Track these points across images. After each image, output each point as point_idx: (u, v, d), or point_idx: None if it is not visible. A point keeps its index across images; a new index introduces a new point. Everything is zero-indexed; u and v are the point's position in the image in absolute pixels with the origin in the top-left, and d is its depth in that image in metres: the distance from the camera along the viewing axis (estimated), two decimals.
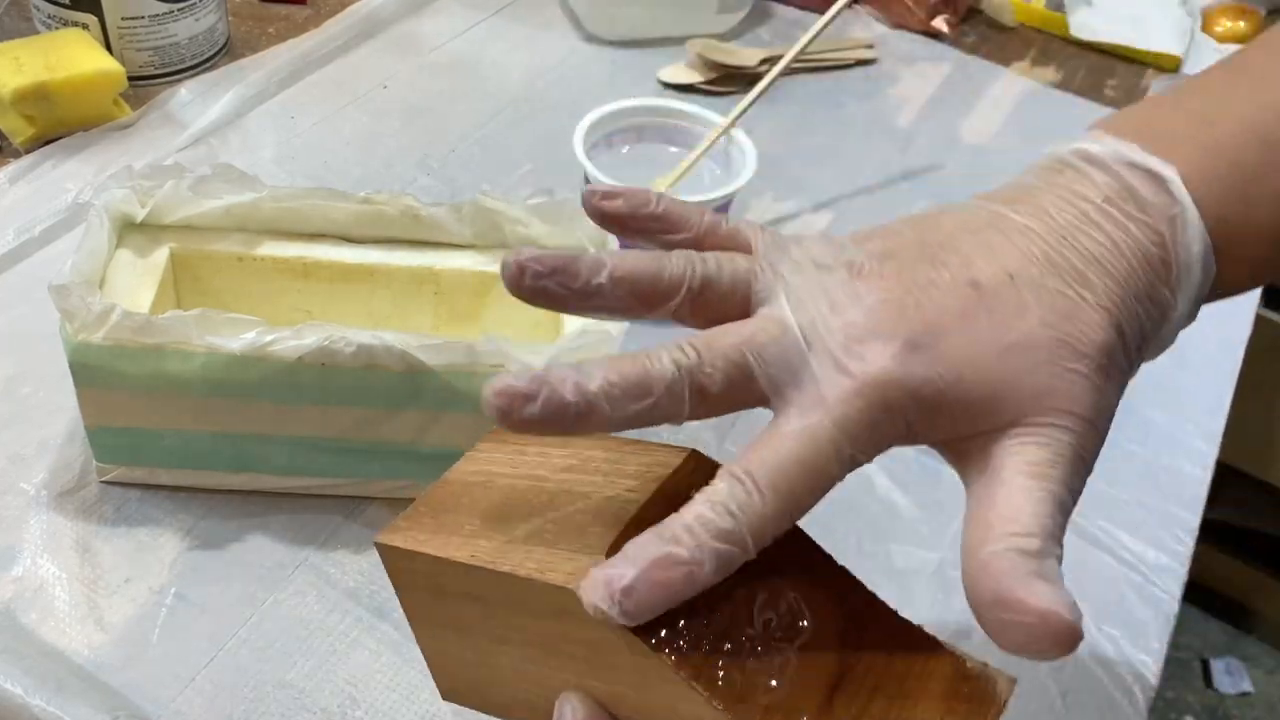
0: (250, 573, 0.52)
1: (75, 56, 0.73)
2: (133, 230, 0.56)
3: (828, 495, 0.32)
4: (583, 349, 0.51)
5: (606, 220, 0.36)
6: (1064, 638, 0.29)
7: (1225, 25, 1.07)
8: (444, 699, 0.39)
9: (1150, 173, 0.34)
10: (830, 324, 0.32)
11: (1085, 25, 1.04)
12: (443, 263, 0.58)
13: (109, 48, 0.78)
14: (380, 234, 0.58)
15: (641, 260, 0.34)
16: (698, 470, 0.33)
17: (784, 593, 0.32)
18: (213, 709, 0.47)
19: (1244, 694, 1.54)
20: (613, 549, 0.30)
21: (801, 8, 1.01)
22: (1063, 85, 0.98)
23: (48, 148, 0.73)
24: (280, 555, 0.53)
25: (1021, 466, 0.31)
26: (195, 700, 0.48)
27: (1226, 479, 0.75)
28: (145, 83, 0.80)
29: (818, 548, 0.34)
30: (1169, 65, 1.02)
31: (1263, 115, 0.35)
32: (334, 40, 0.87)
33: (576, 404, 0.31)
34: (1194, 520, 0.63)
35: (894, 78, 0.96)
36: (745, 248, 0.36)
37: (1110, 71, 1.02)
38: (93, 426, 0.52)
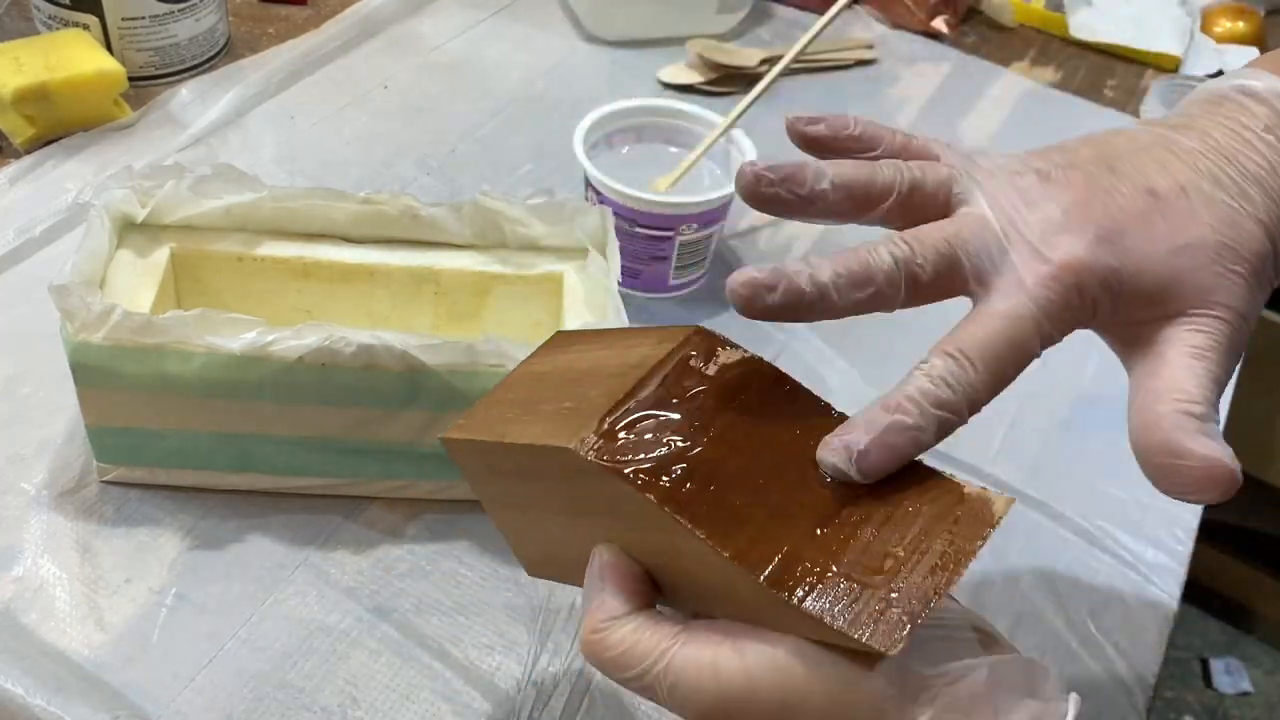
0: (250, 573, 0.52)
1: (76, 57, 0.73)
2: (133, 230, 0.56)
3: None
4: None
5: (809, 144, 0.40)
6: (1225, 481, 0.34)
7: (1224, 25, 1.07)
8: (530, 575, 0.44)
9: None
10: (1027, 219, 0.36)
11: (1085, 25, 1.04)
12: (443, 263, 0.58)
13: (109, 48, 0.78)
14: (380, 234, 0.58)
15: (858, 168, 0.38)
16: (700, 341, 0.37)
17: (772, 439, 0.36)
18: (213, 709, 0.47)
19: (1243, 694, 1.54)
20: (608, 416, 0.35)
21: (801, 8, 1.01)
22: (1062, 85, 0.98)
23: (48, 148, 0.73)
24: (280, 555, 0.53)
25: (1185, 349, 0.36)
26: (195, 700, 0.48)
27: None
28: (145, 83, 0.80)
29: (810, 397, 0.38)
30: (1168, 65, 1.02)
31: None
32: (334, 40, 0.87)
33: (810, 292, 0.35)
34: (1193, 520, 0.63)
35: (894, 78, 0.96)
36: (934, 159, 0.40)
37: (1110, 71, 1.02)
38: (93, 426, 0.52)
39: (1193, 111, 0.40)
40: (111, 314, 0.48)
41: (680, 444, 0.35)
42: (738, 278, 0.35)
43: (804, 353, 0.68)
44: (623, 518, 0.35)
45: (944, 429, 0.35)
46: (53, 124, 0.73)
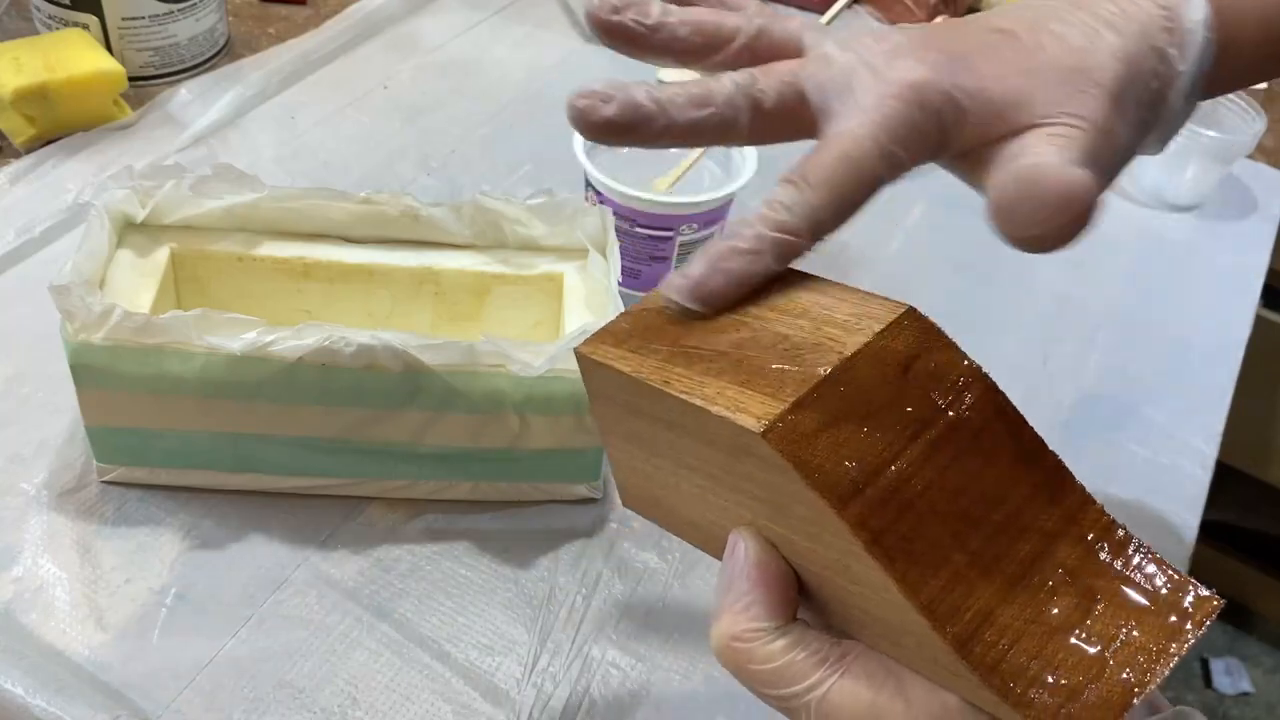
0: (250, 573, 0.52)
1: (75, 57, 0.73)
2: (133, 230, 0.56)
3: None
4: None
5: (627, 41, 0.39)
6: (1078, 204, 0.33)
7: None
8: (625, 505, 0.40)
9: None
10: (872, 50, 0.36)
11: None
12: (443, 263, 0.58)
13: (109, 48, 0.78)
14: (380, 234, 0.58)
15: (706, 11, 0.39)
16: (912, 328, 0.33)
17: (982, 471, 0.31)
18: (213, 709, 0.47)
19: (1243, 694, 1.54)
20: (803, 403, 0.30)
21: (801, 8, 1.01)
22: None
23: (48, 148, 0.73)
24: (280, 555, 0.53)
25: (1038, 140, 0.35)
26: (195, 700, 0.48)
27: (1226, 479, 0.75)
28: (145, 83, 0.80)
29: (1033, 434, 0.34)
30: None
31: None
32: (334, 40, 0.87)
33: (648, 106, 0.36)
34: (1194, 520, 0.63)
35: None
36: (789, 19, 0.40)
37: None
38: (93, 426, 0.52)
39: None
40: (111, 314, 0.48)
41: (882, 455, 0.30)
42: (577, 91, 0.36)
43: None
44: (787, 514, 0.31)
45: (783, 252, 0.35)
46: (53, 124, 0.73)
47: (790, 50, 0.38)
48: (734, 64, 0.38)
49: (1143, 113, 0.37)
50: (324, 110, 0.81)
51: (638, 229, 0.66)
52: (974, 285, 0.75)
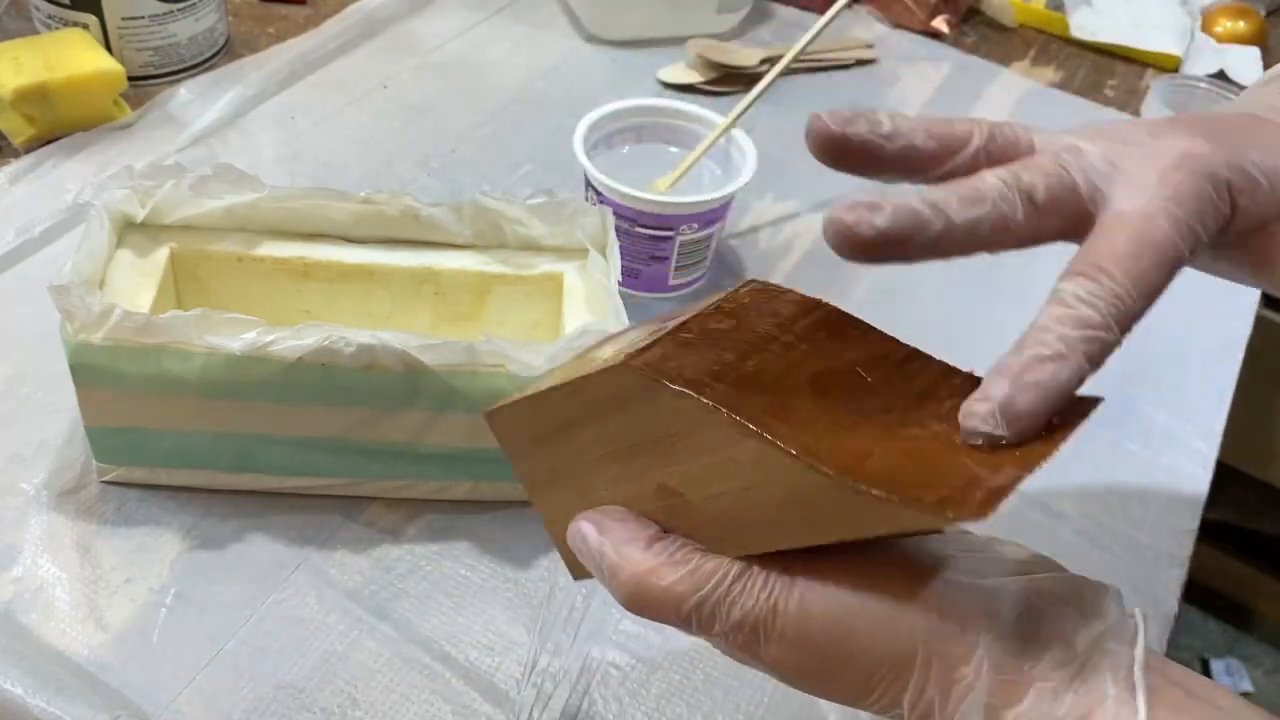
0: (250, 573, 0.52)
1: (75, 56, 0.73)
2: (133, 230, 0.56)
3: None
4: (583, 348, 0.51)
5: (850, 161, 0.36)
6: None
7: (1225, 26, 1.07)
8: (575, 579, 0.40)
9: None
10: (1128, 131, 0.34)
11: (1085, 25, 1.04)
12: (442, 263, 0.58)
13: (109, 48, 0.78)
14: (380, 234, 0.58)
15: (933, 117, 0.36)
16: (752, 290, 0.35)
17: (835, 361, 0.34)
18: (213, 709, 0.47)
19: (1244, 694, 1.54)
20: (658, 342, 0.33)
21: (801, 8, 1.01)
22: (1062, 85, 0.98)
23: (48, 148, 0.73)
24: (280, 555, 0.53)
25: None
26: (195, 700, 0.48)
27: (1226, 479, 0.75)
28: (145, 83, 0.80)
29: (883, 334, 0.35)
30: (1168, 65, 1.02)
31: None
32: (334, 40, 0.87)
33: (923, 211, 0.32)
34: (1194, 520, 0.63)
35: (894, 78, 0.96)
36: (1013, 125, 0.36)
37: (1110, 71, 1.02)
38: (92, 426, 0.52)
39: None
40: (111, 314, 0.48)
41: (736, 360, 0.32)
42: (839, 206, 0.32)
43: None
44: (673, 454, 0.33)
45: (1095, 353, 0.31)
46: (52, 124, 0.73)
47: (1023, 149, 0.36)
48: (970, 169, 0.35)
49: None
50: (324, 110, 0.81)
51: (638, 229, 0.66)
52: (974, 287, 0.75)
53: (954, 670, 0.30)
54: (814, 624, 0.31)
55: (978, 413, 0.30)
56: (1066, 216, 0.34)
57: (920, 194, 0.33)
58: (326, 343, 0.49)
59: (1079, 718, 0.29)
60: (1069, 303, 0.31)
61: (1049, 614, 0.30)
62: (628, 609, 0.34)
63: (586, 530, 0.35)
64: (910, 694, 0.31)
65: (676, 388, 0.31)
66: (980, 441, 0.31)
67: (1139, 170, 0.33)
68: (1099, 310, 0.31)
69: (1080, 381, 0.31)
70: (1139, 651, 0.30)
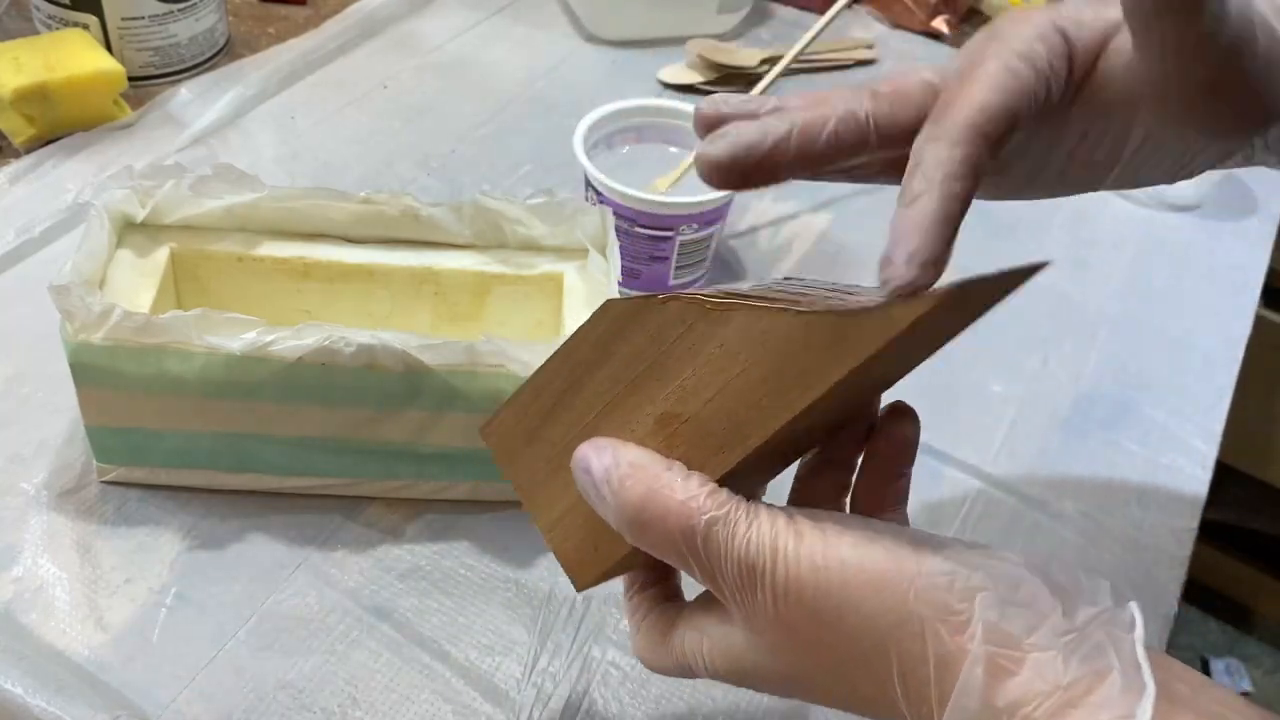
0: (250, 573, 0.52)
1: (75, 56, 0.73)
2: (133, 230, 0.56)
3: None
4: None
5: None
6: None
7: None
8: (579, 589, 0.39)
9: None
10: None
11: None
12: (443, 263, 0.58)
13: (109, 48, 0.78)
14: (380, 234, 0.58)
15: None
16: (678, 303, 0.36)
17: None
18: (213, 709, 0.47)
19: (1244, 693, 1.54)
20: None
21: (801, 8, 1.01)
22: None
23: (48, 148, 0.73)
24: (280, 555, 0.53)
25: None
26: (195, 700, 0.48)
27: (1226, 479, 0.75)
28: (145, 83, 0.80)
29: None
30: None
31: None
32: (334, 40, 0.87)
33: (768, 149, 0.35)
34: (1194, 520, 0.63)
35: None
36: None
37: None
38: (92, 426, 0.52)
39: None
40: (111, 314, 0.48)
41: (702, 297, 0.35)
42: (704, 153, 0.36)
43: None
44: (666, 372, 0.35)
45: (952, 185, 0.34)
46: (52, 124, 0.73)
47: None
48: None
49: None
50: (324, 110, 0.81)
51: (638, 229, 0.66)
52: None
53: (950, 639, 0.30)
54: (809, 576, 0.32)
55: (895, 261, 0.33)
56: (919, 105, 0.36)
57: (763, 128, 0.35)
58: (326, 343, 0.49)
59: (1083, 689, 0.29)
60: (915, 160, 0.34)
61: (1045, 591, 0.31)
62: (632, 526, 0.34)
63: (588, 453, 0.35)
64: (899, 665, 0.31)
65: (662, 296, 0.35)
66: (900, 294, 0.33)
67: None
68: (938, 157, 0.34)
69: (951, 208, 0.33)
70: (1139, 634, 0.30)
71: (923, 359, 0.38)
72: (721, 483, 0.34)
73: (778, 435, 0.34)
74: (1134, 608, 0.31)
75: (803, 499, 0.39)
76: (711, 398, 0.35)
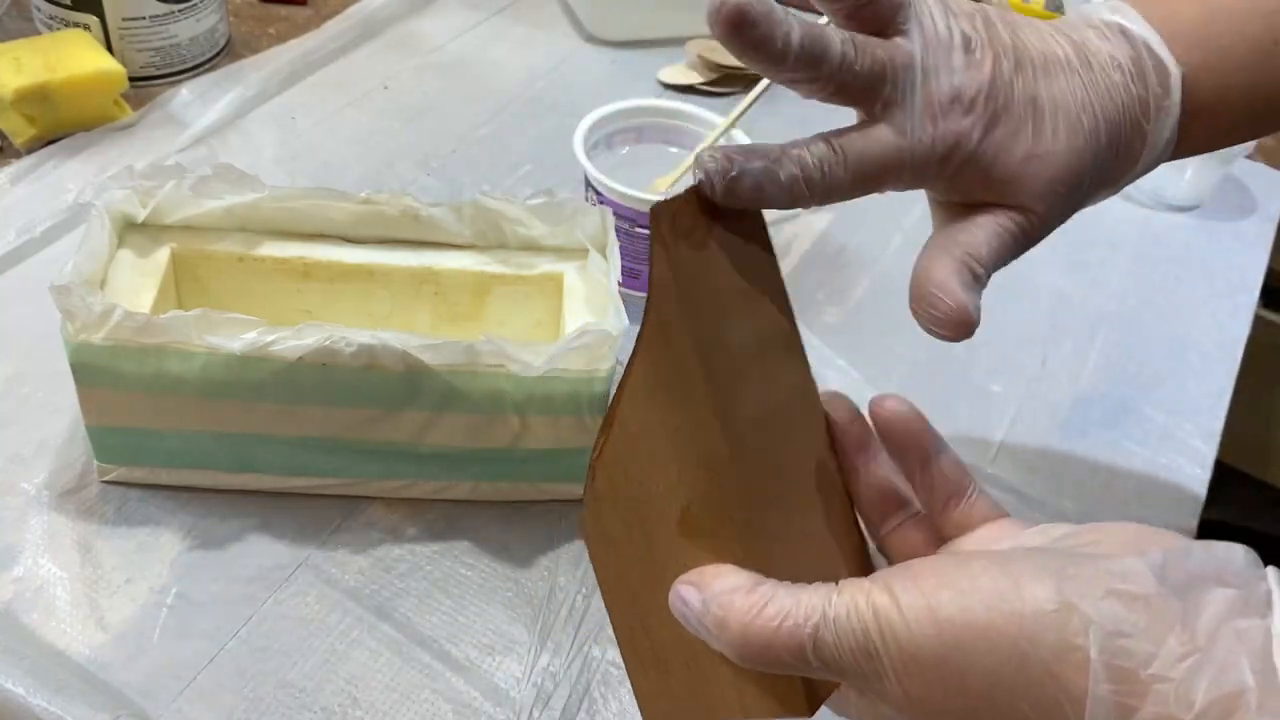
0: (250, 573, 0.52)
1: (76, 57, 0.73)
2: (134, 230, 0.56)
3: None
4: (583, 349, 0.51)
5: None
6: (964, 325, 0.40)
7: None
8: None
9: (1162, 65, 0.43)
10: (941, 83, 0.40)
11: None
12: (443, 263, 0.58)
13: (110, 48, 0.78)
14: (380, 234, 0.58)
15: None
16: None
17: None
18: (213, 709, 0.47)
19: None
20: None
21: (801, 8, 1.01)
22: None
23: (49, 148, 0.73)
24: (280, 555, 0.53)
25: (994, 225, 0.41)
26: (195, 700, 0.48)
27: (1226, 479, 0.75)
28: (146, 83, 0.80)
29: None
30: None
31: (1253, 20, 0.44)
32: (334, 41, 0.87)
33: (780, 50, 0.38)
34: (1193, 520, 0.63)
35: None
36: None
37: None
38: (93, 426, 0.52)
39: (1087, 30, 0.44)
40: (112, 314, 0.48)
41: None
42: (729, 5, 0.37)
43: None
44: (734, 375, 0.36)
45: (794, 194, 0.38)
46: (53, 124, 0.73)
47: (886, 18, 0.40)
48: (839, 18, 0.41)
49: (1115, 174, 0.44)
50: (324, 110, 0.81)
51: (638, 229, 0.66)
52: None
53: (1074, 680, 0.29)
54: (923, 645, 0.31)
55: (710, 157, 0.36)
56: (860, 99, 0.40)
57: (787, 29, 0.38)
58: (327, 342, 0.49)
59: (1219, 715, 0.27)
60: (811, 153, 0.38)
61: (1163, 596, 0.29)
62: (743, 661, 0.33)
63: (687, 593, 0.35)
64: (1036, 714, 0.29)
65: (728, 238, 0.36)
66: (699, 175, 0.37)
67: (919, 117, 0.40)
68: (817, 175, 0.38)
69: (763, 196, 0.37)
70: (1277, 625, 0.28)
71: (767, 313, 0.38)
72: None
73: (707, 438, 0.35)
74: (1272, 578, 0.29)
75: (901, 555, 0.39)
76: (759, 420, 0.36)
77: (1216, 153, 0.83)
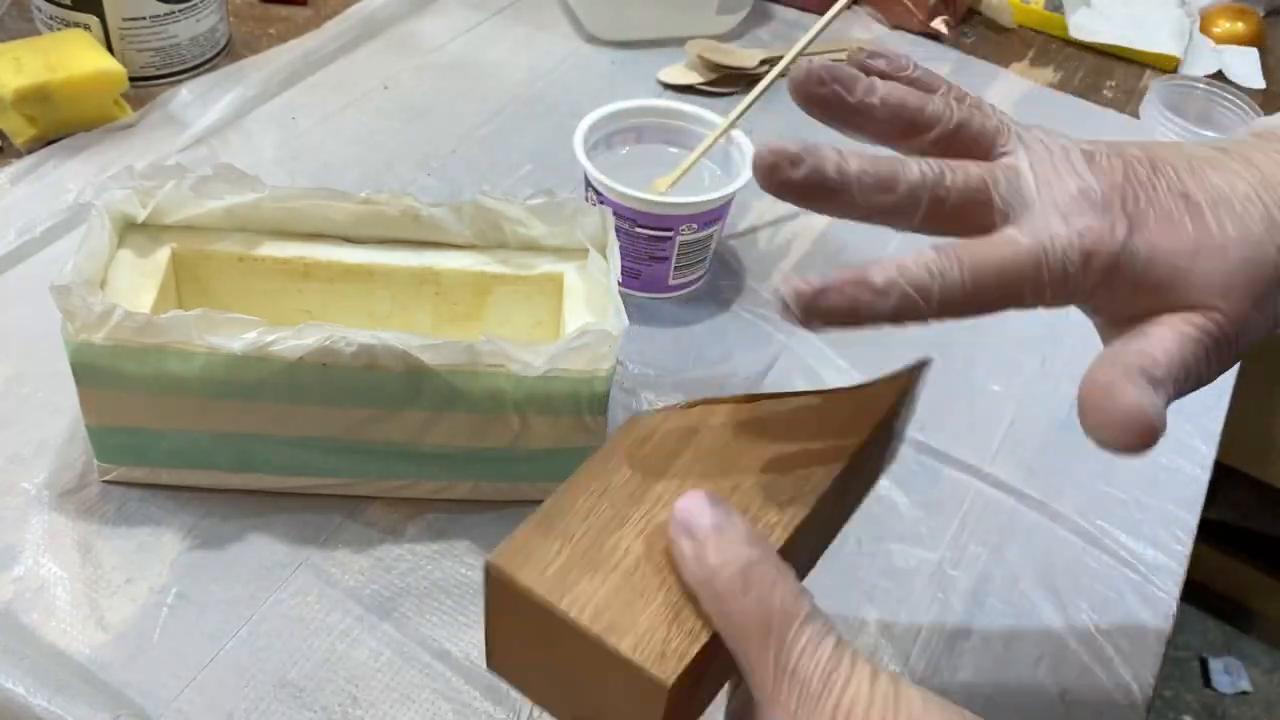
0: (250, 573, 0.53)
1: (76, 57, 0.73)
2: (134, 230, 0.56)
3: None
4: (583, 349, 0.51)
5: (868, 71, 0.39)
6: (1143, 431, 0.34)
7: (1223, 26, 1.07)
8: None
9: None
10: (1063, 187, 0.37)
11: (1084, 26, 1.04)
12: (443, 263, 0.58)
13: (110, 48, 0.78)
14: (380, 234, 0.58)
15: (909, 93, 0.38)
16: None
17: None
18: (213, 709, 0.47)
19: (1242, 693, 1.54)
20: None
21: (801, 8, 1.01)
22: (1061, 86, 0.99)
23: (49, 148, 0.73)
24: (280, 555, 0.53)
25: (1168, 329, 0.36)
26: (195, 700, 0.48)
27: (1225, 479, 0.75)
28: (146, 83, 0.80)
29: None
30: (1167, 66, 1.02)
31: None
32: (334, 41, 0.87)
33: (834, 178, 0.36)
34: (1192, 520, 0.63)
35: None
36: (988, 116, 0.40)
37: (1109, 72, 1.02)
38: (93, 426, 0.52)
39: (1242, 138, 0.41)
40: (112, 314, 0.48)
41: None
42: (768, 144, 0.35)
43: (804, 353, 0.68)
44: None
45: (905, 309, 0.35)
46: (53, 124, 0.73)
47: (984, 149, 0.38)
48: (928, 152, 0.38)
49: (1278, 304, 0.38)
50: (324, 110, 0.82)
51: (638, 229, 0.66)
52: None
53: None
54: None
55: (793, 285, 0.35)
56: (968, 225, 0.37)
57: (839, 162, 0.36)
58: (327, 342, 0.49)
59: None
60: (918, 262, 0.35)
61: None
62: (733, 583, 0.32)
63: (692, 510, 0.34)
64: None
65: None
66: (780, 306, 0.35)
67: (1042, 222, 0.36)
68: (932, 281, 0.34)
69: (877, 319, 0.34)
70: None
71: (865, 488, 0.42)
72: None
73: (819, 505, 0.36)
74: None
75: None
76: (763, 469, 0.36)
77: None
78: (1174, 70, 1.02)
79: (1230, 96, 0.86)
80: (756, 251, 0.76)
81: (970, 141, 0.38)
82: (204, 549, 0.53)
